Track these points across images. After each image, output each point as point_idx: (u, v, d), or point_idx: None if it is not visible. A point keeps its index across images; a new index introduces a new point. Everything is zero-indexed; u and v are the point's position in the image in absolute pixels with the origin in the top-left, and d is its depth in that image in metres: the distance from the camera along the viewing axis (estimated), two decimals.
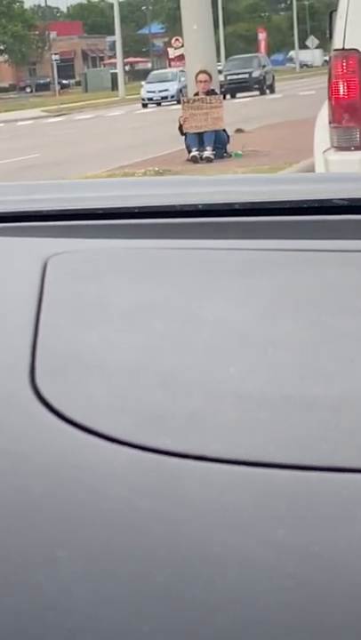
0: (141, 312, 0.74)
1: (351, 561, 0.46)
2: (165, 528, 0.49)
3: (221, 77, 28.15)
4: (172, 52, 45.11)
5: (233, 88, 35.38)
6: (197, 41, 13.81)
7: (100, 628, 0.44)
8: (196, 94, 13.14)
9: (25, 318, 0.72)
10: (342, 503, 0.50)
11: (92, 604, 0.45)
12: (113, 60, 60.32)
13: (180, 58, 29.75)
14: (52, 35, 73.39)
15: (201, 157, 12.85)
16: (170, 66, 44.83)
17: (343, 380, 0.62)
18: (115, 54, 52.61)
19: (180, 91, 30.31)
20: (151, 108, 34.98)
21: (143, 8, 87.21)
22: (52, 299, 0.76)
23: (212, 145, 12.93)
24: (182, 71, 26.43)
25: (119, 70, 48.10)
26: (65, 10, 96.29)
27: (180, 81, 33.36)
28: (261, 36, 56.58)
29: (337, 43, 5.77)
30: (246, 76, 36.41)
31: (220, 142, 13.11)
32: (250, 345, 0.67)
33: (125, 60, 60.04)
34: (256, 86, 36.37)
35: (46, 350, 0.67)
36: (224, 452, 0.54)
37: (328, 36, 6.54)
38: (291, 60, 71.02)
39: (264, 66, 37.68)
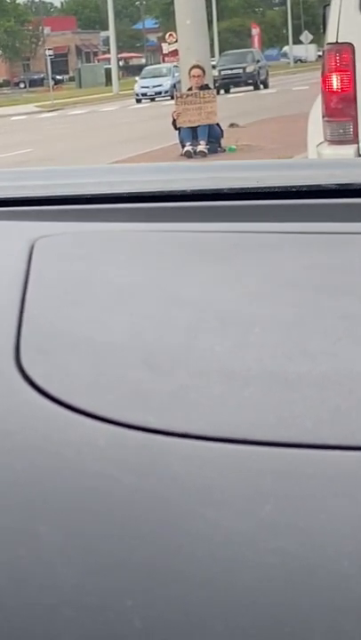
0: (127, 292, 0.74)
1: (335, 537, 0.46)
2: (149, 504, 0.49)
3: (215, 72, 28.20)
4: (165, 48, 45.02)
5: (227, 83, 35.40)
6: (191, 36, 13.82)
7: (82, 603, 0.44)
8: (190, 89, 13.14)
9: (11, 298, 0.72)
10: (326, 480, 0.50)
11: (73, 579, 0.45)
12: (107, 56, 60.24)
13: (174, 53, 29.71)
14: (46, 30, 73.34)
15: (195, 152, 12.85)
16: (164, 61, 44.73)
17: (328, 358, 0.62)
18: (108, 49, 52.53)
19: (174, 86, 30.31)
20: (145, 104, 35.00)
21: (137, 3, 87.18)
22: (39, 279, 0.76)
23: (206, 139, 12.93)
24: (176, 66, 26.43)
25: (113, 66, 48.08)
26: (58, 5, 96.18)
27: (173, 76, 33.38)
28: (255, 31, 56.56)
29: (331, 36, 5.78)
30: (240, 71, 36.42)
31: (213, 137, 13.12)
32: (235, 324, 0.67)
33: (119, 56, 60.04)
34: (250, 81, 36.39)
35: (31, 329, 0.67)
36: (208, 429, 0.54)
37: (322, 30, 6.54)
38: (285, 55, 71.01)
39: (258, 61, 37.69)
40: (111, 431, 0.55)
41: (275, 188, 0.98)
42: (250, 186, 0.99)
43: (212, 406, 0.57)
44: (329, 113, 5.82)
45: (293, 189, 0.97)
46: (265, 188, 0.98)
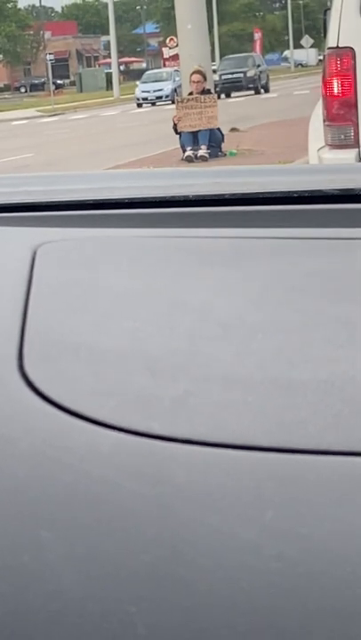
0: (130, 298, 0.74)
1: (338, 543, 0.46)
2: (152, 510, 0.49)
3: (216, 77, 28.22)
4: (166, 52, 45.14)
5: (227, 87, 35.44)
6: (192, 40, 13.83)
7: (86, 609, 0.44)
8: (191, 94, 13.15)
9: (13, 304, 0.72)
10: (329, 486, 0.50)
11: (77, 585, 0.45)
12: (107, 60, 60.30)
13: (175, 57, 29.75)
14: (47, 35, 73.47)
15: (196, 156, 12.86)
16: (165, 65, 44.80)
17: (331, 364, 0.62)
18: (109, 54, 52.55)
19: (175, 90, 30.35)
20: (146, 108, 34.99)
21: (138, 8, 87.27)
22: (41, 285, 0.76)
23: (207, 144, 12.94)
24: (177, 71, 26.45)
25: (114, 70, 48.09)
26: (59, 9, 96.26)
27: (174, 80, 33.39)
28: (256, 35, 56.62)
29: (331, 41, 5.78)
30: (241, 75, 36.45)
31: (214, 141, 13.13)
32: (238, 330, 0.67)
33: (120, 60, 60.06)
34: (251, 85, 36.41)
35: (34, 336, 0.67)
36: (211, 435, 0.54)
37: (323, 34, 6.55)
38: (285, 59, 71.11)
39: (259, 65, 37.71)
40: (114, 437, 0.55)
41: (276, 193, 0.98)
42: (252, 191, 0.99)
43: (215, 412, 0.57)
44: (330, 117, 5.82)
45: (295, 195, 0.97)
46: (267, 193, 0.98)
